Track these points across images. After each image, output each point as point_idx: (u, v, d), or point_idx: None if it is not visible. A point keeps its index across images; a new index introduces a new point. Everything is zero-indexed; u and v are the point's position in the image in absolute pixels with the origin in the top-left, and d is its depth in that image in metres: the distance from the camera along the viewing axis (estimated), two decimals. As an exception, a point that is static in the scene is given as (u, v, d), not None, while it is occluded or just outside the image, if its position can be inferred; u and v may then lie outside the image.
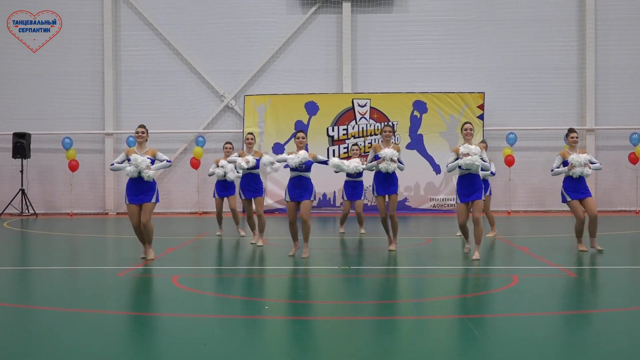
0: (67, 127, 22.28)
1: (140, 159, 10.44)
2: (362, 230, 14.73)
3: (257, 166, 12.82)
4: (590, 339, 6.14)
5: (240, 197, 13.15)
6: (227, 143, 14.85)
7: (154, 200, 10.68)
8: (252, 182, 12.85)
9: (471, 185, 10.63)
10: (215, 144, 22.07)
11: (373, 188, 11.84)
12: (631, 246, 12.47)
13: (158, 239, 14.78)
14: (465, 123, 10.87)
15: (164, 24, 22.51)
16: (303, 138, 11.06)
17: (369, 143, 21.29)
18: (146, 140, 10.82)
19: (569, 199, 11.42)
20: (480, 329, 6.50)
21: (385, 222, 11.82)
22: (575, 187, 11.44)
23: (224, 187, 14.58)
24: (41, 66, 22.73)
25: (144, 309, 7.72)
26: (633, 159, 20.84)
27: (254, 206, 12.96)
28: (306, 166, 10.96)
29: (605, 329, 6.59)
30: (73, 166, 21.61)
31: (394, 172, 11.70)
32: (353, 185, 14.35)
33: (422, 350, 5.76)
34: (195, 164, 21.51)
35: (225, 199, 14.68)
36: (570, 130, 11.68)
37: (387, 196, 11.76)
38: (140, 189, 10.58)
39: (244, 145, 13.32)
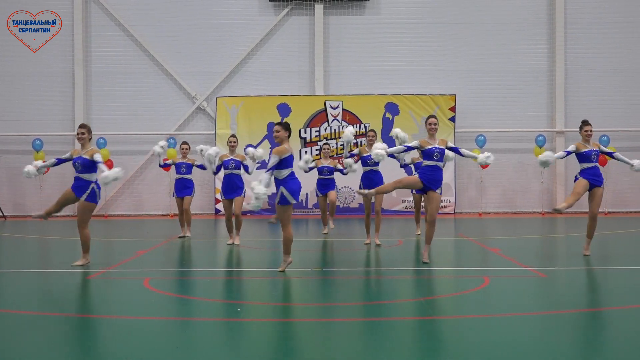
0: (37, 129, 22.03)
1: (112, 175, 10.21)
2: (332, 225, 15.32)
3: (238, 166, 13.25)
4: (561, 339, 6.20)
5: (221, 198, 13.43)
6: (183, 143, 15.12)
7: (83, 197, 10.36)
8: (233, 182, 13.18)
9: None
10: (187, 145, 21.94)
11: (360, 186, 13.05)
12: (600, 247, 12.61)
13: (129, 241, 14.70)
14: (431, 117, 10.72)
15: (135, 25, 22.36)
16: (277, 132, 9.70)
17: (340, 145, 21.32)
18: (89, 140, 10.49)
19: (580, 177, 11.14)
20: (452, 330, 6.54)
21: (368, 219, 13.10)
22: (590, 172, 11.14)
23: (182, 186, 14.82)
24: (11, 67, 22.46)
25: (115, 312, 7.66)
26: (602, 161, 21.07)
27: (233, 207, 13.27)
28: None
29: (575, 329, 6.66)
30: (43, 168, 21.36)
31: (378, 172, 12.97)
32: (324, 183, 14.84)
33: (393, 351, 5.78)
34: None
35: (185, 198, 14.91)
36: (584, 123, 11.32)
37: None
38: (76, 186, 10.39)
39: (228, 148, 13.54)
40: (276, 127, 9.67)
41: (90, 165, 10.34)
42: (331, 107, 21.53)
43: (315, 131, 21.46)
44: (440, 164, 10.52)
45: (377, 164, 12.95)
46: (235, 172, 13.21)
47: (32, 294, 8.75)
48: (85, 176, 10.35)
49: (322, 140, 21.22)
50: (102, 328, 6.89)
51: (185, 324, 6.91)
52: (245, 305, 7.82)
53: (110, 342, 6.25)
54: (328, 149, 15.24)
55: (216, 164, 13.67)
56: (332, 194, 15.02)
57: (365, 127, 21.25)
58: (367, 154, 13.03)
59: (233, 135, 13.74)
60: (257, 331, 6.69)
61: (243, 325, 6.88)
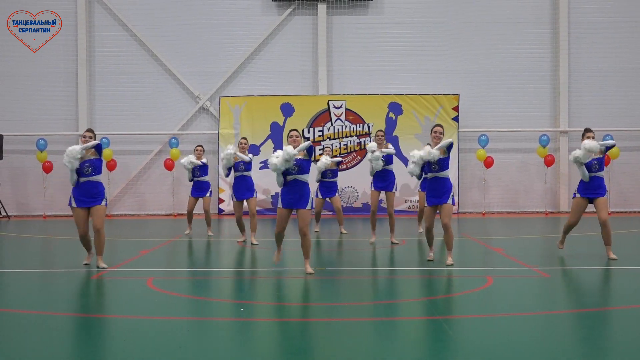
0: (40, 129, 22.05)
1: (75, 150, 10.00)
2: (344, 231, 15.29)
3: (249, 168, 13.51)
4: (564, 339, 6.20)
5: (232, 199, 13.72)
6: (198, 146, 15.44)
7: (103, 203, 10.29)
8: (244, 184, 13.45)
9: (437, 188, 10.36)
10: (190, 145, 21.97)
11: (372, 183, 13.23)
12: (602, 247, 12.59)
13: (133, 240, 14.72)
14: (436, 125, 10.62)
15: (139, 25, 22.37)
16: (297, 137, 9.60)
17: (344, 145, 21.32)
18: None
19: (578, 195, 11.07)
20: (455, 329, 6.54)
21: (374, 216, 13.21)
22: (586, 185, 11.02)
23: (198, 188, 15.09)
24: (14, 67, 22.49)
25: (118, 311, 7.67)
26: (604, 161, 21.00)
27: (245, 207, 13.65)
28: (298, 167, 9.52)
29: (578, 329, 6.66)
30: (47, 168, 21.40)
31: (391, 171, 13.05)
32: (328, 185, 14.98)
33: (397, 351, 5.78)
34: (169, 165, 21.41)
35: (200, 199, 15.26)
36: (587, 130, 11.09)
37: (383, 192, 13.21)
38: (89, 192, 10.19)
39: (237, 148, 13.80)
40: (296, 133, 9.66)
41: (99, 165, 10.28)
42: (334, 107, 21.52)
43: (319, 131, 21.45)
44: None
45: (390, 162, 13.14)
46: (246, 173, 13.42)
47: (35, 294, 8.77)
48: (94, 178, 10.20)
49: (325, 140, 21.23)
50: (105, 328, 6.90)
51: (188, 323, 6.91)
52: (249, 305, 7.83)
53: (113, 341, 6.26)
54: (329, 150, 15.57)
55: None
56: (336, 201, 15.29)
57: (369, 127, 21.27)
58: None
59: (244, 138, 14.03)
60: (261, 331, 6.70)
61: (246, 325, 6.89)
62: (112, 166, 21.39)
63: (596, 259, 10.99)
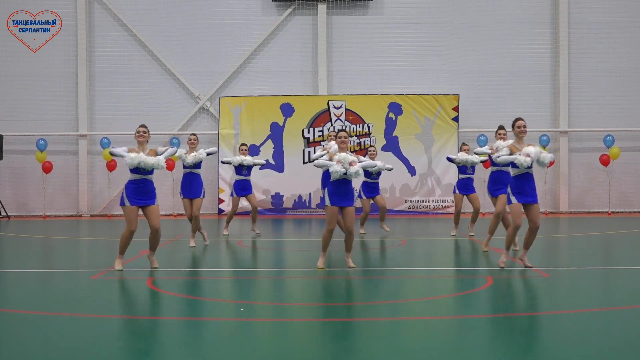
0: (40, 129, 22.04)
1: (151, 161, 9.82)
2: (362, 231, 15.05)
3: (198, 165, 13.09)
4: (563, 339, 6.19)
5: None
6: (191, 134, 14.82)
7: (156, 202, 10.11)
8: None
9: (528, 185, 9.78)
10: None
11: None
12: (603, 247, 12.60)
13: (133, 241, 14.68)
14: (518, 119, 10.33)
15: (139, 25, 22.37)
16: (345, 138, 10.05)
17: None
18: (147, 141, 10.16)
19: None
20: (455, 329, 6.54)
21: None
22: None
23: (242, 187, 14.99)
24: (14, 67, 22.48)
25: (118, 311, 7.67)
26: (604, 161, 21.05)
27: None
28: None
29: (578, 329, 6.65)
30: (47, 168, 21.40)
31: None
32: (371, 185, 14.94)
33: (396, 351, 5.78)
34: (170, 165, 21.37)
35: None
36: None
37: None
38: (145, 191, 9.92)
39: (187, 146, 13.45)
40: (345, 134, 10.12)
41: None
42: (334, 107, 21.52)
43: (319, 131, 21.45)
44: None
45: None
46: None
47: (35, 294, 8.76)
48: (149, 177, 9.96)
49: (325, 140, 21.21)
50: (105, 328, 6.89)
51: (188, 323, 6.91)
52: (249, 305, 7.82)
53: (113, 341, 6.25)
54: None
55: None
56: (381, 199, 15.29)
57: (369, 127, 21.27)
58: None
59: (193, 134, 13.61)
60: (261, 331, 6.69)
61: (246, 325, 6.88)
62: (112, 166, 21.38)
63: (596, 259, 10.98)
